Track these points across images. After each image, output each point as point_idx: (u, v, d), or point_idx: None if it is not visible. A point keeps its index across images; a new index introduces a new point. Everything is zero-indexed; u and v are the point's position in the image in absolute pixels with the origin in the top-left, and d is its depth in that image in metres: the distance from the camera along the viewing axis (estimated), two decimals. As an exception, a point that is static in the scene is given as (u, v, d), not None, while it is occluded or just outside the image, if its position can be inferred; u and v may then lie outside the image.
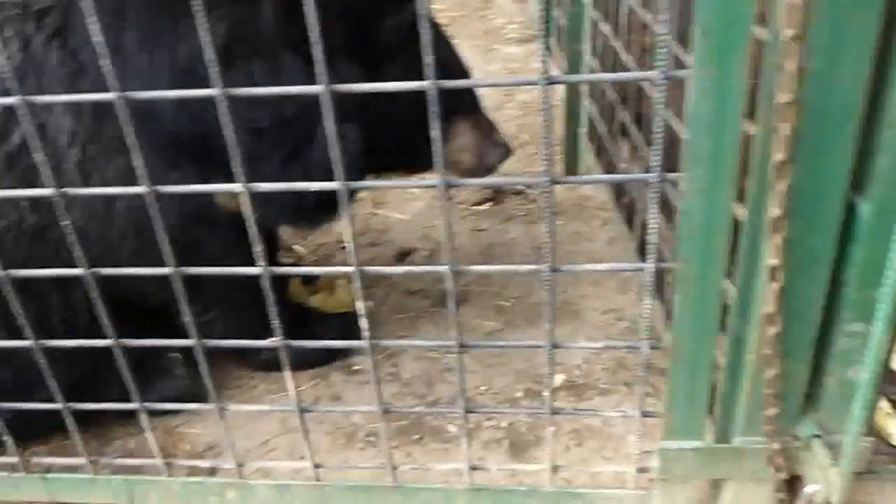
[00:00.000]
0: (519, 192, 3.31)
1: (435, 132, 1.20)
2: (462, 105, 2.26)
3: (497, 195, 3.29)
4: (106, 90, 1.89)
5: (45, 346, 1.53)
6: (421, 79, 2.04)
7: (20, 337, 2.02)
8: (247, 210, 1.32)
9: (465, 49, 4.77)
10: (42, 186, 1.94)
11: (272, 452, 2.13)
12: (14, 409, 1.71)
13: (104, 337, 1.66)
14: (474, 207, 3.20)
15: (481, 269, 1.37)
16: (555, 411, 1.57)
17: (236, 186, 1.28)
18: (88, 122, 1.86)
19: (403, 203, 3.23)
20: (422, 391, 2.30)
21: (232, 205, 2.01)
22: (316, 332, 2.42)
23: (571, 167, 3.34)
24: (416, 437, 2.14)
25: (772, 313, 1.24)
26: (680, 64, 1.83)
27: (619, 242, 2.94)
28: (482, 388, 2.30)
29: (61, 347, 1.59)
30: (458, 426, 2.15)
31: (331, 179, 1.93)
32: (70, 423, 1.68)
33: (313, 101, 1.91)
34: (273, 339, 1.50)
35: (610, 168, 3.01)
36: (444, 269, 1.34)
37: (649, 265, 1.26)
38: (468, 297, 2.69)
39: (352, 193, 2.11)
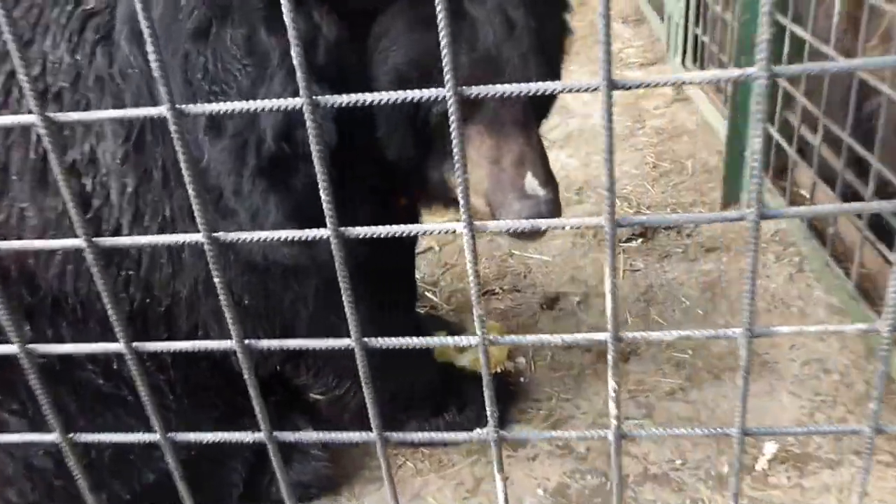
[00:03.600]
0: (672, 227, 2.91)
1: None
2: (481, 111, 1.47)
3: (646, 230, 2.89)
4: (149, 102, 1.60)
5: (174, 440, 1.21)
6: (420, 49, 1.39)
7: (126, 400, 1.75)
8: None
9: (582, 76, 4.46)
10: (97, 213, 1.67)
11: (430, 547, 1.78)
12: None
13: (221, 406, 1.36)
14: (624, 245, 2.81)
15: (655, 335, 0.98)
16: None
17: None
18: (139, 146, 1.57)
19: (543, 242, 2.87)
20: (603, 467, 1.91)
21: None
22: (468, 396, 2.08)
23: (732, 195, 2.93)
24: (608, 527, 1.75)
25: None
26: None
27: (800, 280, 2.51)
28: (676, 461, 1.89)
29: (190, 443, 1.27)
30: (658, 514, 1.76)
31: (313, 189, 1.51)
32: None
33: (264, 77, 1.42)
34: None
35: (795, 196, 2.61)
36: (604, 336, 0.96)
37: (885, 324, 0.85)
38: (634, 348, 2.29)
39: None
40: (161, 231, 1.63)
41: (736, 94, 2.83)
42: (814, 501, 1.73)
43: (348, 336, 1.63)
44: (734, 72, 0.71)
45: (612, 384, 0.98)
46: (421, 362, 2.06)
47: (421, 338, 1.06)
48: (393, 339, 1.04)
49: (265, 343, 1.04)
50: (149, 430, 1.16)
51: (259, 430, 1.03)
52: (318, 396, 2.06)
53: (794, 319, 2.33)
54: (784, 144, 2.63)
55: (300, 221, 1.46)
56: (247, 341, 1.01)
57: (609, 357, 0.89)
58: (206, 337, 1.77)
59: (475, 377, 2.14)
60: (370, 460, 2.02)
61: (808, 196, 2.56)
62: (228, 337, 1.01)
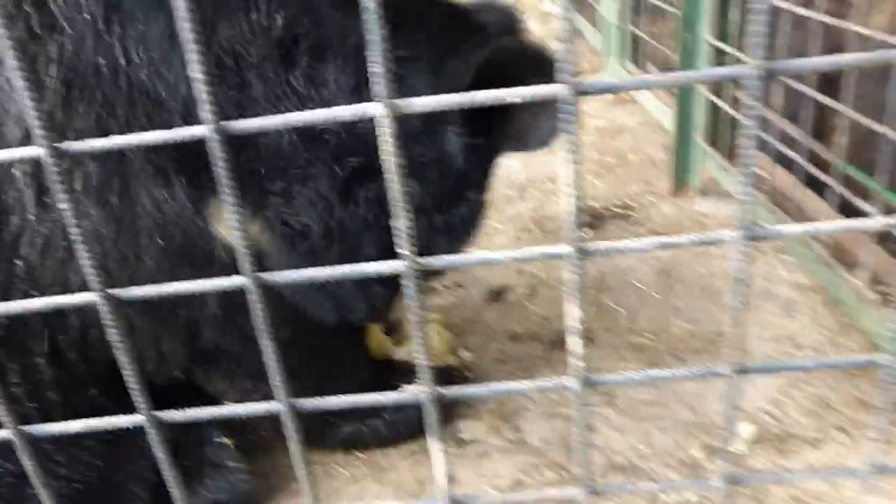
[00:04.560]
0: (621, 216, 2.74)
1: None
2: None
3: (594, 221, 2.73)
4: (86, 58, 1.38)
5: (28, 434, 0.96)
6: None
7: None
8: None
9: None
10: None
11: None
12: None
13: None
14: (571, 235, 2.63)
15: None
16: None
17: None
18: (56, 107, 1.31)
19: (484, 239, 2.67)
20: (559, 459, 1.69)
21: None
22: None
23: (682, 181, 2.78)
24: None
25: None
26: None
27: (761, 260, 2.35)
28: (642, 447, 1.69)
29: (62, 434, 1.01)
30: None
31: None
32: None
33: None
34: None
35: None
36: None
37: None
38: (589, 336, 2.10)
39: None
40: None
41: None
42: (797, 483, 1.53)
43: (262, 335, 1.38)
44: None
45: (575, 312, 0.77)
46: (353, 357, 1.83)
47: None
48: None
49: (137, 292, 0.79)
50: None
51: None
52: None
53: (757, 298, 2.16)
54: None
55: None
56: (111, 291, 0.75)
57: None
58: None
59: (413, 372, 1.92)
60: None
61: (768, 176, 2.42)
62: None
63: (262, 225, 1.47)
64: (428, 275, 1.86)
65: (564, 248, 0.76)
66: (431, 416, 0.90)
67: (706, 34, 2.55)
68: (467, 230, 1.70)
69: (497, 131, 1.53)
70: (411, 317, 0.82)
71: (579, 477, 0.68)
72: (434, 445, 0.92)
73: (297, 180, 1.43)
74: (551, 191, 3.01)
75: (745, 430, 1.68)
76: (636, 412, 1.78)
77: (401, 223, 0.74)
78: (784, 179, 2.32)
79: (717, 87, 2.58)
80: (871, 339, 1.86)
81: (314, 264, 1.45)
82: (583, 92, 0.67)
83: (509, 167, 3.30)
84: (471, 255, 0.80)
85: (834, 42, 2.02)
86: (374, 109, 0.70)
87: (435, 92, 1.50)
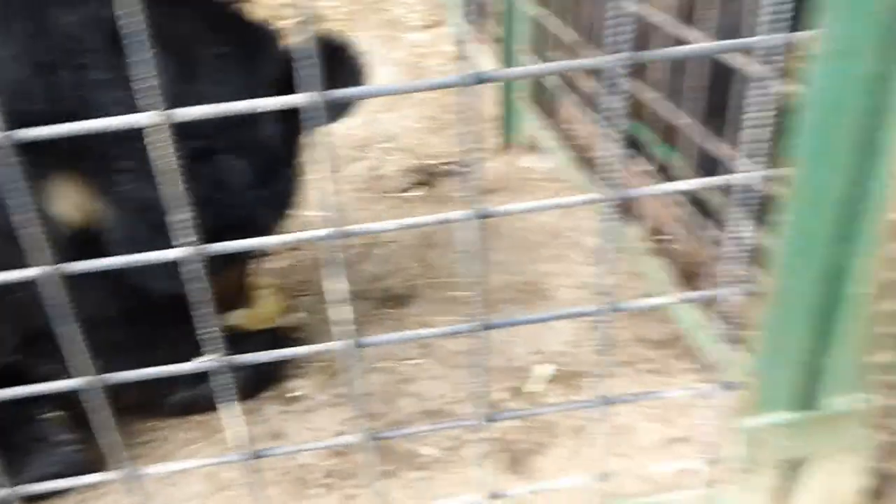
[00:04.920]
0: (451, 173, 2.90)
1: None
2: None
3: (428, 178, 2.87)
4: None
5: None
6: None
7: None
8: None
9: (365, 40, 4.41)
10: None
11: (202, 520, 1.64)
12: None
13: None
14: (404, 194, 2.77)
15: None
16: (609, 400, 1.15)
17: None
18: None
19: (324, 200, 2.77)
20: (380, 409, 1.84)
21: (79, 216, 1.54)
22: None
23: (508, 139, 2.96)
24: (387, 468, 1.68)
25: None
26: None
27: (575, 213, 2.56)
28: (454, 393, 1.86)
29: None
30: (435, 446, 1.72)
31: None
32: None
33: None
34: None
35: (566, 133, 2.65)
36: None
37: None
38: (415, 292, 2.25)
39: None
40: None
41: (508, 39, 2.86)
42: (582, 412, 1.74)
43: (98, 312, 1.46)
44: None
45: (336, 286, 0.92)
46: (181, 326, 1.91)
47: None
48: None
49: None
50: None
51: None
52: (70, 381, 1.86)
53: (565, 249, 2.37)
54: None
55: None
56: None
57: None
58: None
59: (243, 335, 2.02)
60: (134, 437, 1.85)
61: (579, 130, 2.62)
62: None
63: (108, 201, 1.54)
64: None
65: (324, 232, 0.91)
66: (221, 381, 1.04)
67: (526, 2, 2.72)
68: (287, 201, 1.82)
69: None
70: (194, 295, 0.94)
71: (377, 424, 0.81)
72: (225, 408, 1.06)
73: (145, 160, 1.50)
74: (389, 150, 3.13)
75: (545, 370, 1.88)
76: (450, 361, 1.95)
77: (179, 217, 0.86)
78: (592, 135, 2.53)
79: (538, 50, 2.75)
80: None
81: (161, 235, 1.53)
82: (329, 100, 0.81)
83: (350, 125, 3.39)
84: (248, 240, 0.93)
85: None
86: (148, 119, 0.82)
87: (248, 85, 1.65)
